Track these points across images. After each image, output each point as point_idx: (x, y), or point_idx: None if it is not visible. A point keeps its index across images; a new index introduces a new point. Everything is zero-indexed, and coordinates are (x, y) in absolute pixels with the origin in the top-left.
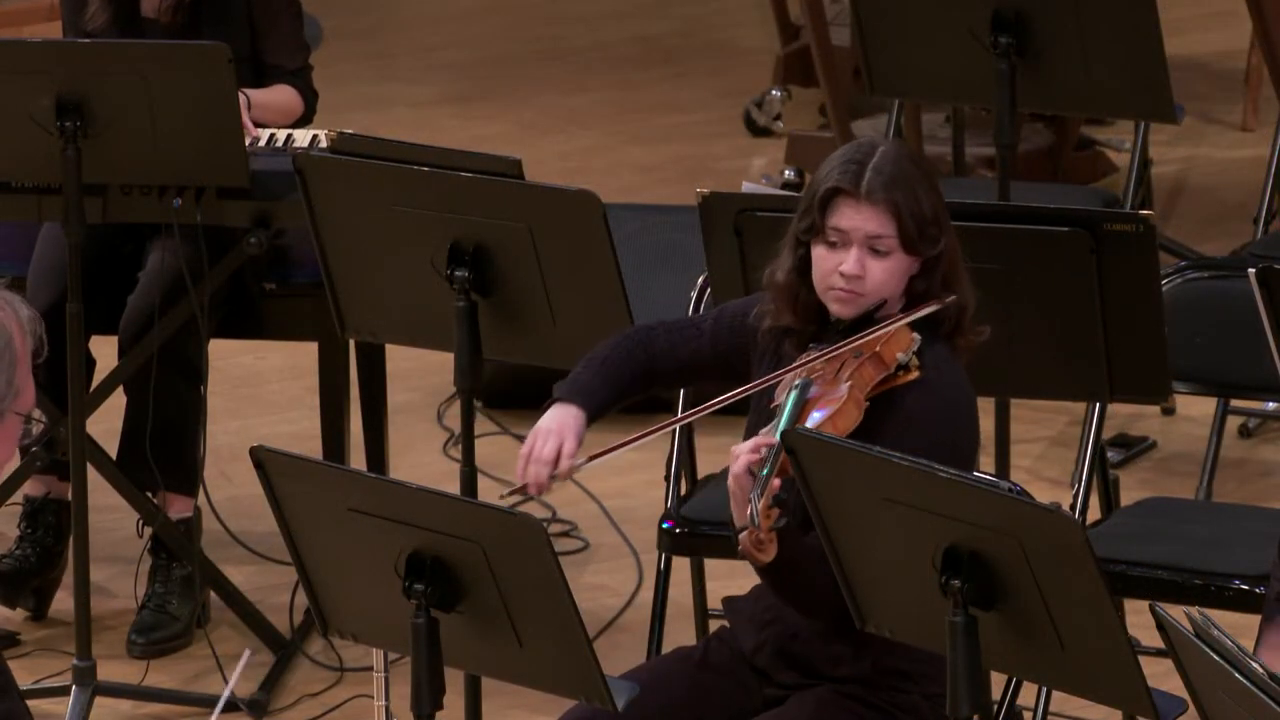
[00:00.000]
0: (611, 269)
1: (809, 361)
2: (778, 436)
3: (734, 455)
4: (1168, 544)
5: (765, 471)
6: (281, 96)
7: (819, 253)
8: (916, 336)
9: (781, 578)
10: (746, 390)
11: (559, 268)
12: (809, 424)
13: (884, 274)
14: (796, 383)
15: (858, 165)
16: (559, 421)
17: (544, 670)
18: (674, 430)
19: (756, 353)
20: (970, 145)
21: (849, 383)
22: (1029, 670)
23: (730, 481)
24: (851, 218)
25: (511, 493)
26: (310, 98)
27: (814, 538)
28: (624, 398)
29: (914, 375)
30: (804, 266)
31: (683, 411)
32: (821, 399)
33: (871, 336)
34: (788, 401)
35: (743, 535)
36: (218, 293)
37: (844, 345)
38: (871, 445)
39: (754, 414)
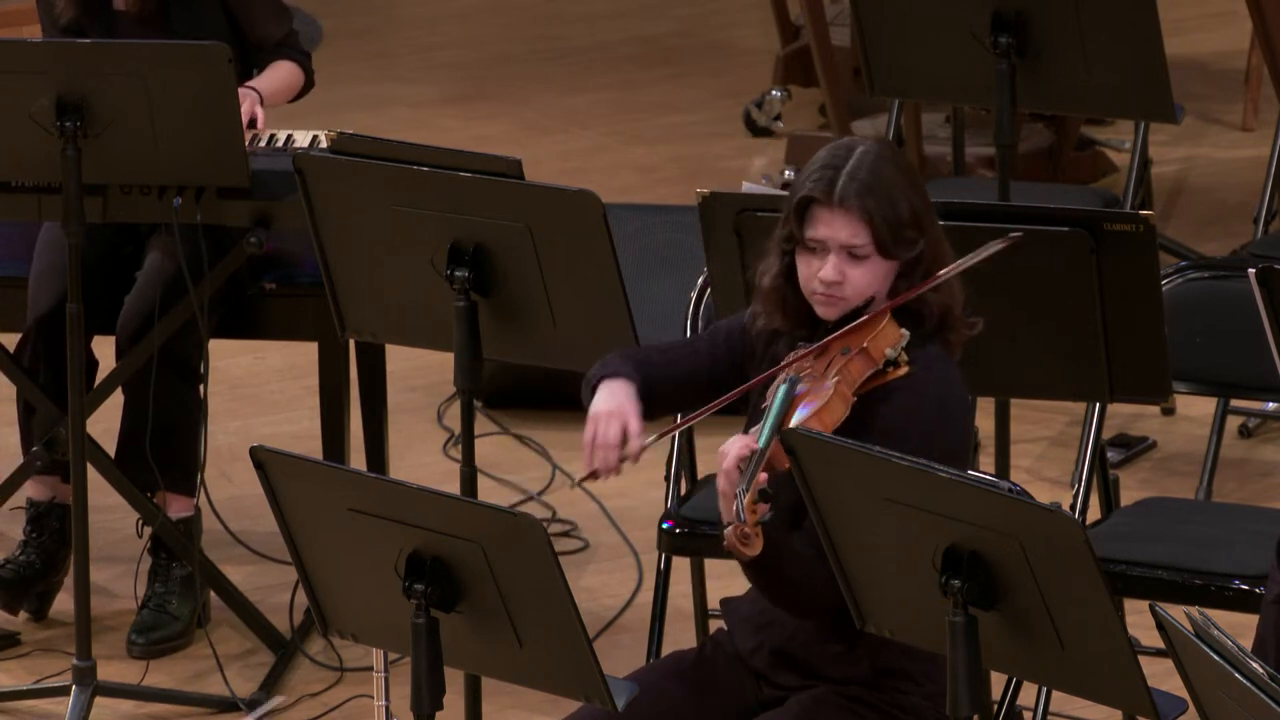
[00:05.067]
0: (611, 269)
1: (797, 358)
2: (765, 434)
3: (722, 454)
4: (1168, 544)
5: (751, 468)
6: (282, 75)
7: (801, 259)
8: (905, 332)
9: (766, 577)
10: (744, 389)
11: (559, 268)
12: (795, 419)
13: (863, 278)
14: (785, 380)
15: (832, 171)
16: (615, 402)
17: (544, 670)
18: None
19: (754, 361)
20: (970, 145)
21: (836, 378)
22: (1029, 670)
23: (720, 479)
24: (826, 226)
25: (583, 479)
26: (305, 62)
27: (798, 539)
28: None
29: (903, 371)
30: (790, 271)
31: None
32: (808, 395)
33: (856, 331)
34: (776, 399)
35: (728, 530)
36: (215, 293)
37: (828, 340)
38: (871, 445)
39: (751, 414)
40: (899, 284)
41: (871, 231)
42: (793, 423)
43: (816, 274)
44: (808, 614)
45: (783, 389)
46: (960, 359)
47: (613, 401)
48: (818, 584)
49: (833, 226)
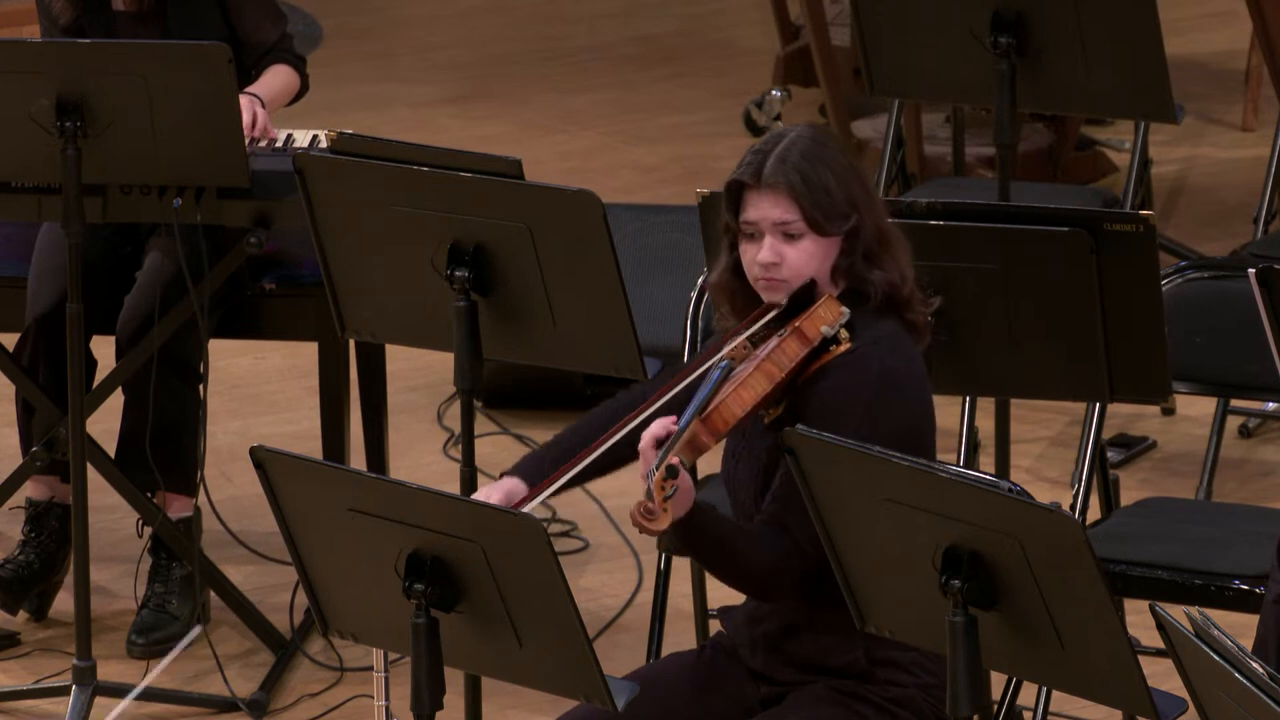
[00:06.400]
0: (611, 269)
1: (729, 345)
2: (687, 415)
3: (643, 435)
4: (1168, 544)
5: (666, 448)
6: (279, 80)
7: (743, 247)
8: (844, 310)
9: (707, 556)
10: (680, 382)
11: (559, 268)
12: (717, 400)
13: (799, 257)
14: (720, 365)
15: (761, 156)
16: (488, 489)
17: (544, 670)
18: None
19: None
20: (970, 145)
21: (764, 358)
22: (1029, 670)
23: (640, 460)
24: (756, 208)
25: None
26: (301, 66)
27: (756, 520)
28: (592, 452)
29: (844, 348)
30: (736, 264)
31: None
32: (736, 376)
33: (794, 314)
34: (708, 382)
35: (632, 508)
36: (215, 293)
37: (757, 323)
38: (870, 445)
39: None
40: (841, 263)
41: (800, 208)
42: (715, 403)
43: (756, 258)
44: (770, 596)
45: (716, 373)
46: (931, 343)
47: (485, 489)
48: (776, 566)
49: (761, 208)
